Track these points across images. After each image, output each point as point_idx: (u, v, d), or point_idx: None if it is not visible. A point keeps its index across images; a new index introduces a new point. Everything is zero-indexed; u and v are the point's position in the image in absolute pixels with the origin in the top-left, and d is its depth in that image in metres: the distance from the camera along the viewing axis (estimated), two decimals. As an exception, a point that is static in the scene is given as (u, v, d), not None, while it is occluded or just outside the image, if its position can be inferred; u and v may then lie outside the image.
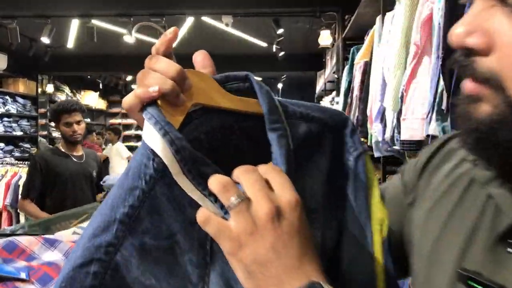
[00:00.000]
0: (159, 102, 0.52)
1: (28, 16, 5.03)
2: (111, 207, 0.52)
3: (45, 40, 5.30)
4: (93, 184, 2.99)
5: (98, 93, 10.78)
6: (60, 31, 5.71)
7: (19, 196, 3.47)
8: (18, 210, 4.40)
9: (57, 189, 2.81)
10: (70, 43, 6.29)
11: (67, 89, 9.61)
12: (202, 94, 0.54)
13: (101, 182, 2.56)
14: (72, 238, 0.88)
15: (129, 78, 10.49)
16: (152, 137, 0.50)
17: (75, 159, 2.90)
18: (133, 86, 11.11)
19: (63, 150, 2.89)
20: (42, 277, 0.70)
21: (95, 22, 5.34)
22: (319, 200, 0.58)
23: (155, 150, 0.50)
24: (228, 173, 0.51)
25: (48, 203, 2.80)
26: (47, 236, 0.82)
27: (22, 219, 4.50)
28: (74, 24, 5.66)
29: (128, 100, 0.51)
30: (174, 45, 0.54)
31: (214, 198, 0.47)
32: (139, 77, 0.52)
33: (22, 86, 7.90)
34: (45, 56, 6.75)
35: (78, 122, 2.81)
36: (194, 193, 0.50)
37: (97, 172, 3.03)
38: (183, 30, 5.94)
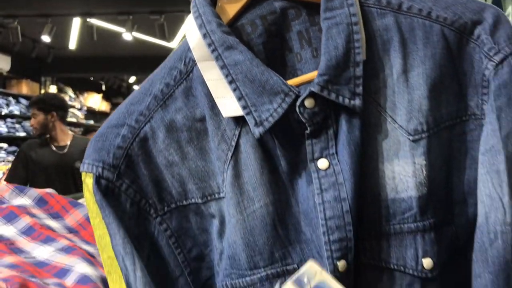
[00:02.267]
0: None
1: (28, 16, 5.07)
2: (151, 83, 0.55)
3: (46, 38, 5.33)
4: (74, 177, 2.77)
5: (101, 95, 10.83)
6: (62, 32, 5.74)
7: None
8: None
9: (31, 180, 2.71)
10: (72, 45, 6.33)
11: (70, 91, 9.67)
12: None
13: None
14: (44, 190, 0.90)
15: (132, 79, 10.54)
16: (189, 22, 0.52)
17: (55, 149, 2.80)
18: (135, 87, 11.16)
19: (47, 140, 2.84)
20: (8, 215, 0.72)
21: (95, 21, 5.37)
22: (427, 118, 0.48)
23: (186, 34, 0.53)
24: (276, 65, 0.51)
25: None
26: (17, 185, 0.85)
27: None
28: (76, 25, 5.70)
29: None
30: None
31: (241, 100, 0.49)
32: None
33: (25, 87, 7.96)
34: (48, 58, 6.79)
35: (34, 116, 2.82)
36: (218, 87, 0.51)
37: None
38: (183, 28, 5.93)
